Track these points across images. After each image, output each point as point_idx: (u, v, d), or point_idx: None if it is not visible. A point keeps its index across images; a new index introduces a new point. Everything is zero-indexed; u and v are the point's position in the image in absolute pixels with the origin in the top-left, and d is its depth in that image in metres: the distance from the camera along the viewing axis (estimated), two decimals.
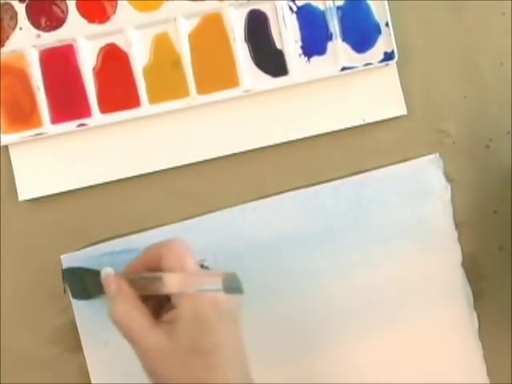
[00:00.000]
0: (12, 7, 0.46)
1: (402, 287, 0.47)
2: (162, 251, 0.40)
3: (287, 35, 0.46)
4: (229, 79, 0.46)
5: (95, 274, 0.43)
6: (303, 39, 0.46)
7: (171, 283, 0.38)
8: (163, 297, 0.40)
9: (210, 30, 0.46)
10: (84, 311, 0.47)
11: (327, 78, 0.46)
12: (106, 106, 0.46)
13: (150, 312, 0.40)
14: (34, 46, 0.46)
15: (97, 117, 0.46)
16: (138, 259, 0.42)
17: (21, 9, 0.46)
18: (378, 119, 0.47)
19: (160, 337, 0.38)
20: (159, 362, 0.38)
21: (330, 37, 0.46)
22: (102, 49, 0.46)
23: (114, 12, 0.46)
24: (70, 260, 0.47)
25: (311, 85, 0.46)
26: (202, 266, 0.42)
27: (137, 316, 0.39)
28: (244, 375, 0.39)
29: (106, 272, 0.42)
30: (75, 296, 0.46)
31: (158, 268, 0.40)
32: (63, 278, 0.46)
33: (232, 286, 0.37)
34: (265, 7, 0.46)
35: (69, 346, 0.47)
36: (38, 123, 0.46)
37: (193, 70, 0.46)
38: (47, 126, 0.46)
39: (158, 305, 0.41)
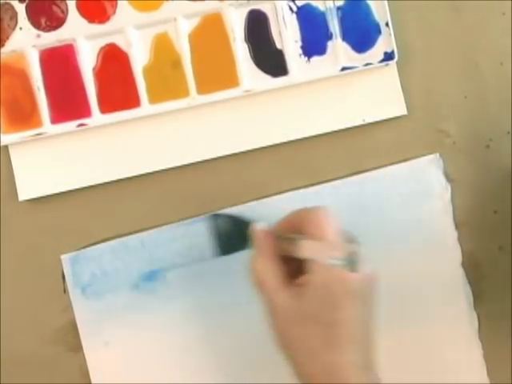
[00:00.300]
0: (12, 7, 0.46)
1: (402, 287, 0.47)
2: (307, 216, 0.40)
3: (287, 35, 0.46)
4: (229, 79, 0.46)
5: (244, 224, 0.43)
6: (303, 39, 0.46)
7: (304, 248, 0.38)
8: (302, 260, 0.40)
9: (210, 30, 0.46)
10: (84, 311, 0.47)
11: (327, 78, 0.46)
12: (106, 105, 0.46)
13: (287, 273, 0.40)
14: (33, 46, 0.46)
15: (97, 117, 0.46)
16: (284, 220, 0.42)
17: (21, 9, 0.46)
18: (378, 119, 0.47)
19: (288, 298, 0.38)
20: (283, 323, 0.39)
21: (330, 37, 0.46)
22: (102, 49, 0.46)
23: (114, 12, 0.46)
24: (70, 260, 0.47)
25: (311, 85, 0.46)
26: (347, 240, 0.41)
27: (272, 273, 0.39)
28: (364, 359, 0.38)
29: (258, 226, 0.42)
30: (223, 250, 0.45)
31: (300, 232, 0.40)
32: (213, 225, 0.45)
33: (351, 261, 0.36)
34: (265, 7, 0.46)
35: (69, 345, 0.47)
36: (38, 123, 0.46)
37: (193, 70, 0.46)
38: (47, 126, 0.46)
39: (297, 267, 0.40)
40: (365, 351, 0.38)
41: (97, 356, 0.47)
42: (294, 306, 0.38)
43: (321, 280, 0.38)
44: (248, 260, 0.40)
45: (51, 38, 0.46)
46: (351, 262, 0.37)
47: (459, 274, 0.47)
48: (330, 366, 0.37)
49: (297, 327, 0.38)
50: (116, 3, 0.46)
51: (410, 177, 0.47)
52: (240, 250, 0.43)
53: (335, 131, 0.47)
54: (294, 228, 0.40)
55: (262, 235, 0.41)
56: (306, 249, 0.38)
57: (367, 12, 0.46)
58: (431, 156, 0.47)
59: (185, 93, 0.46)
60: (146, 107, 0.46)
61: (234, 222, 0.45)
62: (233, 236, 0.44)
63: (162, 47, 0.46)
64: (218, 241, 0.45)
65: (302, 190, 0.47)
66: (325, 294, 0.37)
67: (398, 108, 0.47)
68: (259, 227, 0.41)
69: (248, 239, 0.42)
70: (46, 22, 0.46)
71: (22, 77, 0.46)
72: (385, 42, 0.46)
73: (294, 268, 0.40)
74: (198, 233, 0.46)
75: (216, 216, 0.45)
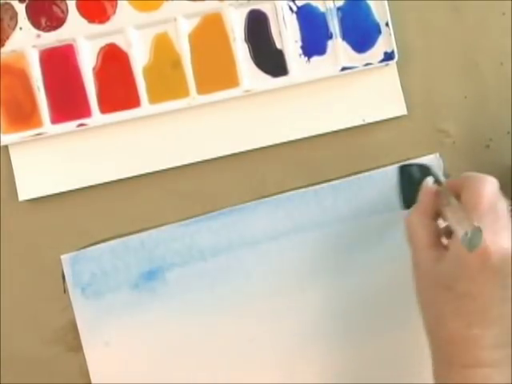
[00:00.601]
0: (12, 7, 0.46)
1: (402, 287, 0.47)
2: (466, 182, 0.39)
3: (287, 35, 0.46)
4: (229, 79, 0.46)
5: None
6: (303, 39, 0.46)
7: (448, 214, 0.38)
8: None
9: (210, 30, 0.46)
10: (84, 311, 0.47)
11: (327, 78, 0.46)
12: (106, 106, 0.46)
13: (439, 233, 0.40)
14: (34, 46, 0.46)
15: (97, 117, 0.46)
16: (455, 181, 0.41)
17: (21, 9, 0.46)
18: (378, 119, 0.47)
19: (431, 257, 0.39)
20: (421, 282, 0.39)
21: (330, 37, 0.46)
22: (101, 49, 0.46)
23: (114, 12, 0.46)
24: (70, 260, 0.47)
25: (311, 85, 0.46)
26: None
27: (424, 230, 0.39)
28: (495, 336, 0.37)
29: (428, 179, 0.42)
30: (407, 203, 0.45)
31: (459, 195, 0.39)
32: (404, 175, 0.46)
33: (471, 241, 0.35)
34: (265, 7, 0.46)
35: (69, 345, 0.47)
36: (38, 123, 0.46)
37: (193, 70, 0.46)
38: (47, 126, 0.46)
39: (449, 229, 0.40)
40: (498, 328, 0.37)
41: (97, 356, 0.47)
42: (435, 268, 0.38)
43: (459, 249, 0.37)
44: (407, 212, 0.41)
45: (51, 38, 0.46)
46: (474, 238, 0.35)
47: None
48: (457, 336, 0.37)
49: (432, 289, 0.38)
50: (116, 3, 0.46)
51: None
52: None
53: (335, 131, 0.47)
54: (457, 190, 0.40)
55: (428, 191, 0.41)
56: (449, 215, 0.38)
57: (367, 12, 0.46)
58: (431, 156, 0.47)
59: (185, 93, 0.46)
60: (145, 107, 0.46)
61: (422, 171, 0.45)
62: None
63: (162, 47, 0.46)
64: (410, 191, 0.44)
65: (302, 190, 0.47)
66: (462, 263, 0.37)
67: (398, 108, 0.47)
68: (429, 182, 0.42)
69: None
70: (45, 22, 0.46)
71: (22, 77, 0.46)
72: (385, 42, 0.46)
73: (446, 230, 0.40)
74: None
75: (406, 166, 0.46)
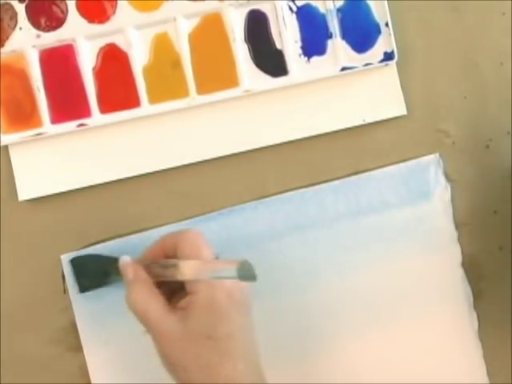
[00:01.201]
0: (12, 7, 0.46)
1: (402, 287, 0.47)
2: (178, 240, 0.40)
3: (287, 35, 0.46)
4: (229, 79, 0.46)
5: (109, 261, 0.44)
6: (303, 39, 0.46)
7: (186, 270, 0.39)
8: (177, 283, 0.40)
9: (210, 30, 0.46)
10: (84, 311, 0.47)
11: (327, 78, 0.46)
12: (106, 105, 0.46)
13: (165, 298, 0.40)
14: (34, 46, 0.46)
15: (97, 117, 0.46)
16: (154, 247, 0.42)
17: (21, 9, 0.46)
18: (377, 119, 0.47)
19: (174, 322, 0.39)
20: (173, 347, 0.39)
21: (329, 37, 0.46)
22: (101, 49, 0.46)
23: (114, 12, 0.46)
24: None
25: (311, 85, 0.46)
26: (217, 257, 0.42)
27: (153, 302, 0.40)
28: (254, 366, 0.39)
29: (124, 259, 0.42)
30: (82, 288, 0.46)
31: (173, 256, 0.40)
32: (74, 265, 0.46)
33: (246, 273, 0.37)
34: (265, 7, 0.46)
35: (69, 345, 0.47)
36: (38, 123, 0.46)
37: (193, 70, 0.46)
38: (47, 126, 0.46)
39: (172, 291, 0.42)
40: (255, 358, 0.40)
41: (97, 356, 0.47)
42: (183, 329, 0.39)
43: (205, 298, 0.38)
44: (125, 293, 0.40)
45: (51, 38, 0.46)
46: (247, 268, 0.37)
47: (459, 273, 0.47)
48: (230, 378, 0.38)
49: (190, 347, 0.38)
50: (116, 3, 0.46)
51: (410, 177, 0.47)
52: (101, 286, 0.45)
53: (335, 131, 0.47)
54: (165, 253, 0.41)
55: (132, 267, 0.41)
56: (187, 270, 0.39)
57: (367, 12, 0.46)
58: (431, 156, 0.47)
59: (185, 93, 0.46)
60: (145, 107, 0.46)
61: (94, 260, 0.46)
62: (93, 273, 0.46)
63: (162, 47, 0.46)
64: (80, 279, 0.46)
65: (302, 190, 0.47)
66: (211, 311, 0.38)
67: (398, 108, 0.47)
68: (125, 260, 0.42)
69: (109, 274, 0.43)
70: (45, 22, 0.46)
71: (22, 77, 0.46)
72: (385, 42, 0.46)
73: (169, 292, 0.41)
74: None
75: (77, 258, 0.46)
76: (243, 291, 0.40)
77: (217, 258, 0.41)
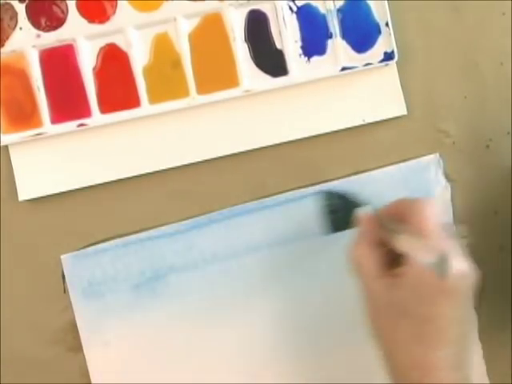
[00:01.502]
0: (12, 7, 0.46)
1: None
2: (411, 207, 0.39)
3: (287, 35, 0.46)
4: (229, 79, 0.46)
5: (353, 204, 0.43)
6: (303, 39, 0.46)
7: (401, 242, 0.38)
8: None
9: (210, 30, 0.46)
10: (84, 311, 0.47)
11: (327, 78, 0.46)
12: (106, 105, 0.46)
13: (386, 261, 0.40)
14: (33, 46, 0.46)
15: (97, 117, 0.46)
16: (390, 206, 0.41)
17: (21, 9, 0.46)
18: (377, 119, 0.47)
19: (383, 287, 0.38)
20: (376, 312, 0.39)
21: (329, 36, 0.46)
22: (101, 49, 0.46)
23: (114, 12, 0.46)
24: (70, 260, 0.47)
25: (311, 85, 0.46)
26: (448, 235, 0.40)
27: (371, 260, 0.39)
28: (456, 358, 0.37)
29: (364, 210, 0.42)
30: (332, 227, 0.45)
31: (403, 221, 0.39)
32: (326, 202, 0.45)
33: (440, 266, 0.36)
34: (265, 7, 0.46)
35: (69, 345, 0.47)
36: (38, 123, 0.46)
37: (193, 70, 0.46)
38: (47, 126, 0.46)
39: (396, 256, 0.40)
40: (457, 351, 0.38)
41: (97, 356, 0.47)
42: (389, 296, 0.38)
43: (416, 275, 0.37)
44: (349, 242, 0.40)
45: (51, 38, 0.46)
46: (443, 264, 0.36)
47: None
48: (419, 360, 0.37)
49: (389, 317, 0.38)
50: (116, 3, 0.46)
51: (410, 177, 0.47)
52: (346, 229, 0.43)
53: (335, 131, 0.47)
54: (399, 216, 0.40)
55: (367, 221, 0.41)
56: (403, 244, 0.38)
57: (367, 12, 0.46)
58: (431, 156, 0.47)
59: (185, 93, 0.46)
60: (145, 107, 0.46)
61: (344, 200, 0.45)
62: (342, 215, 0.44)
63: (162, 47, 0.46)
64: (330, 218, 0.45)
65: (301, 190, 0.47)
66: (419, 288, 0.37)
67: (398, 108, 0.47)
68: (365, 212, 0.41)
69: (353, 220, 0.42)
70: (45, 22, 0.46)
71: (22, 77, 0.46)
72: (385, 42, 0.46)
73: (392, 257, 0.40)
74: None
75: (328, 194, 0.46)
76: (460, 279, 0.37)
77: (448, 234, 0.39)
